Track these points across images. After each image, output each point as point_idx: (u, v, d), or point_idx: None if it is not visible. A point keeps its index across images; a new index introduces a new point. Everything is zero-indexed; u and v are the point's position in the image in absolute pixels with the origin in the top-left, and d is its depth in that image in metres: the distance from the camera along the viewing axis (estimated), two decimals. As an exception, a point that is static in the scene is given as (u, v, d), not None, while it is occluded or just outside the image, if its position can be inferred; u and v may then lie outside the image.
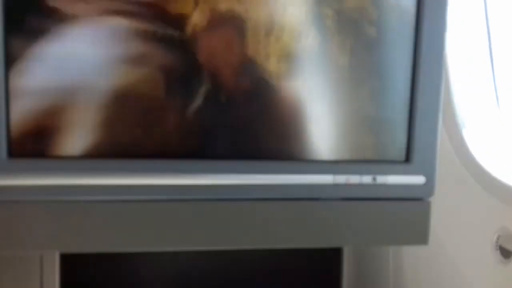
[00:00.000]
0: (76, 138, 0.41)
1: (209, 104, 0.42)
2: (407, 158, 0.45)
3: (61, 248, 0.42)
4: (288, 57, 0.43)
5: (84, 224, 0.41)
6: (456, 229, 0.63)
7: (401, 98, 0.45)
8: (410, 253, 0.89)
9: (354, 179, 0.45)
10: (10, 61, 0.38)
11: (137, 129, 0.41)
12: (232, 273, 1.24)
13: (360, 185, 0.45)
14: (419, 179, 0.45)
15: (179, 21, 0.40)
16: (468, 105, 0.64)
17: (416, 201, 0.46)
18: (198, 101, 0.42)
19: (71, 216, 0.41)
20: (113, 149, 0.41)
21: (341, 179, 0.45)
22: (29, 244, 0.41)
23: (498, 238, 0.54)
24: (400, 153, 0.46)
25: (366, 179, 0.45)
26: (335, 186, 0.45)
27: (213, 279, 1.24)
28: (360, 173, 0.45)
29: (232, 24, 0.41)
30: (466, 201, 0.61)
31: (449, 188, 0.55)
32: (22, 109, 0.39)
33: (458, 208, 0.61)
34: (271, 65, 0.42)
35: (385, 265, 1.00)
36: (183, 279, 1.21)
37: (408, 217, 0.46)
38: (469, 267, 0.69)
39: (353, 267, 1.22)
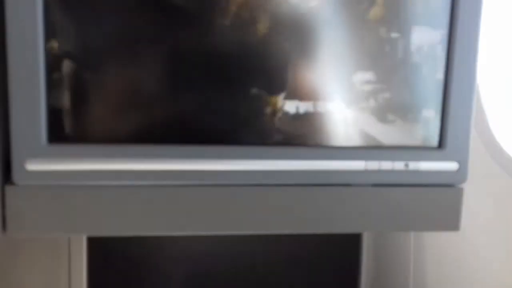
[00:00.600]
0: (113, 123, 0.41)
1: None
2: (440, 144, 0.45)
3: (91, 231, 0.43)
4: (316, 42, 0.42)
5: (114, 208, 0.42)
6: (480, 216, 0.62)
7: (435, 84, 0.45)
8: (432, 240, 0.89)
9: (386, 165, 0.45)
10: (50, 47, 0.38)
11: (171, 116, 0.42)
12: (252, 257, 1.26)
13: (392, 171, 0.45)
14: (452, 166, 0.45)
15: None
16: (493, 92, 0.63)
17: (448, 187, 0.46)
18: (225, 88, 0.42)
19: (103, 200, 0.42)
20: (146, 134, 0.42)
21: (373, 165, 0.44)
22: (59, 228, 0.42)
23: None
24: (433, 139, 0.45)
25: (398, 165, 0.45)
26: (367, 172, 0.45)
27: (233, 263, 1.26)
28: (392, 159, 0.45)
29: None
30: (490, 189, 0.61)
31: (473, 175, 0.54)
32: (62, 94, 0.40)
33: (482, 195, 0.61)
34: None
35: (406, 250, 1.00)
36: (209, 263, 1.23)
37: (440, 203, 0.46)
38: (494, 255, 0.69)
39: (372, 252, 1.23)
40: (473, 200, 0.50)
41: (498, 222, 0.66)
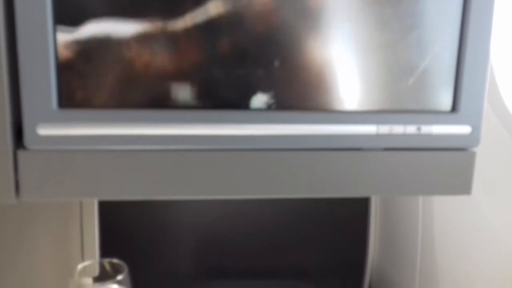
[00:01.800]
0: (122, 89, 0.41)
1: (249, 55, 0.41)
2: (454, 108, 0.44)
3: (103, 196, 0.43)
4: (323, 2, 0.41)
5: (125, 173, 0.42)
6: (489, 183, 0.62)
7: (449, 45, 0.44)
8: (441, 205, 0.89)
9: (398, 129, 0.44)
10: (59, 9, 0.38)
11: (180, 81, 0.41)
12: (260, 221, 1.27)
13: (404, 135, 0.44)
14: (465, 129, 0.45)
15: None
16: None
17: (461, 151, 0.46)
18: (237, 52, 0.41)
19: (114, 165, 0.42)
20: (157, 99, 0.42)
21: (384, 129, 0.44)
22: (71, 193, 0.42)
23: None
24: (447, 103, 0.45)
25: (410, 129, 0.44)
26: (378, 136, 0.44)
27: (242, 226, 1.28)
28: (404, 123, 0.44)
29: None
30: (501, 156, 0.60)
31: (484, 143, 0.54)
32: (71, 59, 0.39)
33: (492, 162, 0.60)
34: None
35: (414, 215, 1.01)
36: (218, 226, 1.25)
37: (452, 167, 0.45)
38: (502, 221, 0.69)
39: (380, 217, 1.24)
40: (483, 167, 0.49)
41: (507, 189, 0.66)
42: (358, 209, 1.33)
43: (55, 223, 0.83)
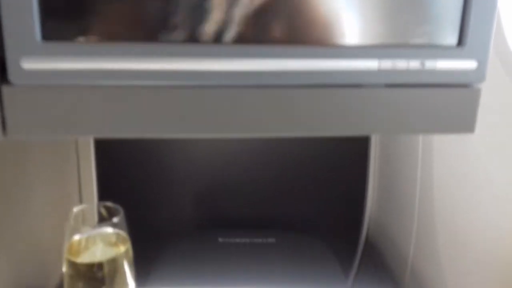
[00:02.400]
0: (109, 21, 0.39)
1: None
2: (460, 42, 0.42)
3: (95, 133, 0.42)
4: None
5: (118, 110, 0.41)
6: (489, 127, 0.61)
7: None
8: (441, 145, 0.89)
9: (401, 64, 0.42)
10: None
11: (169, 13, 0.39)
12: (260, 161, 1.27)
13: (407, 71, 0.42)
14: (470, 64, 0.43)
15: None
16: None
17: (465, 88, 0.44)
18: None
19: (105, 101, 0.41)
20: (146, 32, 0.39)
21: (386, 64, 0.42)
22: (59, 129, 0.41)
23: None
24: (452, 36, 0.42)
25: (414, 64, 0.42)
26: (380, 72, 0.42)
27: (242, 166, 1.28)
28: (408, 57, 0.42)
29: None
30: (501, 101, 0.59)
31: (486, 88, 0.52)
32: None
33: (492, 106, 0.59)
34: None
35: (414, 155, 1.00)
36: (217, 166, 1.25)
37: (456, 104, 0.44)
38: (500, 164, 0.68)
39: (380, 155, 1.24)
40: (483, 111, 0.48)
41: (504, 132, 0.65)
42: (357, 158, 1.32)
43: (52, 168, 0.82)
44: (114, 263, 0.55)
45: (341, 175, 1.35)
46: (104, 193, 0.77)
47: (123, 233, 0.58)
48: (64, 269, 0.55)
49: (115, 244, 0.57)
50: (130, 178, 1.21)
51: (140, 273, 1.02)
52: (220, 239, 1.26)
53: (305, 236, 1.31)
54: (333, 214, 1.40)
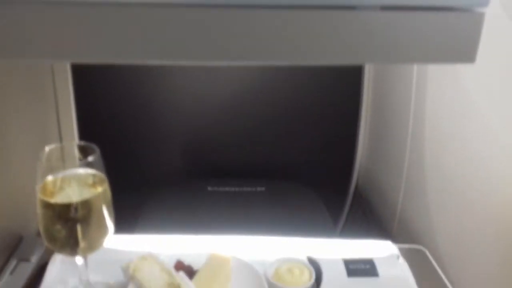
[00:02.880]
0: None
1: None
2: (464, -42, 0.38)
3: (69, 58, 0.38)
4: None
5: (93, 32, 0.36)
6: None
7: None
8: (435, 74, 0.85)
9: (399, -16, 0.38)
10: None
11: None
12: (251, 109, 1.24)
13: (405, -8, 0.38)
14: (475, -15, 0.38)
15: None
16: None
17: (468, 12, 0.40)
18: None
19: (80, 22, 0.36)
20: None
21: (383, -17, 0.38)
22: (35, 52, 0.37)
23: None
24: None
25: (413, -16, 0.38)
26: (375, -8, 0.38)
27: (232, 115, 1.25)
28: (406, -24, 0.38)
29: None
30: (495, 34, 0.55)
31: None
32: None
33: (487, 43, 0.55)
34: None
35: (408, 85, 0.97)
36: (205, 116, 1.22)
37: (457, 30, 0.40)
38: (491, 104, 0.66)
39: (373, 85, 1.21)
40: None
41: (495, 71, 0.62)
42: (348, 102, 1.29)
43: (30, 111, 0.78)
44: (91, 204, 0.53)
45: (331, 122, 1.32)
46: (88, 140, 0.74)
47: (100, 174, 0.55)
48: (38, 210, 0.52)
49: (92, 185, 0.55)
50: (117, 126, 1.18)
51: (129, 220, 1.01)
52: (209, 188, 1.24)
53: (295, 185, 1.30)
54: (323, 163, 1.38)
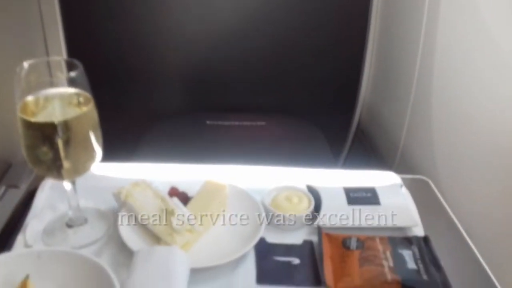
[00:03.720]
0: None
1: None
2: None
3: None
4: None
5: None
6: None
7: None
8: (448, 4, 0.80)
9: None
10: None
11: None
12: (252, 42, 1.19)
13: None
14: None
15: None
16: None
17: None
18: None
19: None
20: None
21: None
22: None
23: None
24: None
25: None
26: None
27: (233, 48, 1.20)
28: None
29: None
30: None
31: None
32: None
33: None
34: None
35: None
36: (205, 48, 1.17)
37: None
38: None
39: (381, 13, 1.15)
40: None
41: None
42: (354, 34, 1.23)
43: (14, 30, 0.73)
44: (75, 125, 0.49)
45: (336, 56, 1.26)
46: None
47: (85, 93, 0.51)
48: (19, 130, 0.49)
49: (76, 105, 0.51)
50: (116, 55, 1.13)
51: (127, 149, 0.98)
52: (208, 122, 1.21)
53: (296, 120, 1.26)
54: (325, 98, 1.34)
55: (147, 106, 1.26)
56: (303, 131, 1.22)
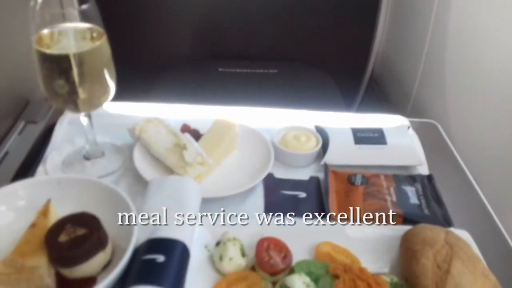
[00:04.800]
0: None
1: None
2: None
3: None
4: None
5: None
6: None
7: None
8: None
9: None
10: None
11: None
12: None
13: None
14: None
15: None
16: None
17: None
18: None
19: None
20: None
21: None
22: None
23: None
24: None
25: None
26: None
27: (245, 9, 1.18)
28: None
29: None
30: None
31: None
32: None
33: None
34: None
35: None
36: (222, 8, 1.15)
37: None
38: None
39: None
40: None
41: None
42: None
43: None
44: (89, 57, 0.50)
45: (351, 4, 1.24)
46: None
47: (98, 28, 0.52)
48: (35, 64, 0.50)
49: (90, 39, 0.52)
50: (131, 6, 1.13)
51: (142, 91, 0.99)
52: (220, 69, 1.21)
53: (309, 68, 1.25)
54: (339, 48, 1.32)
55: (161, 52, 1.27)
56: (316, 80, 1.22)
